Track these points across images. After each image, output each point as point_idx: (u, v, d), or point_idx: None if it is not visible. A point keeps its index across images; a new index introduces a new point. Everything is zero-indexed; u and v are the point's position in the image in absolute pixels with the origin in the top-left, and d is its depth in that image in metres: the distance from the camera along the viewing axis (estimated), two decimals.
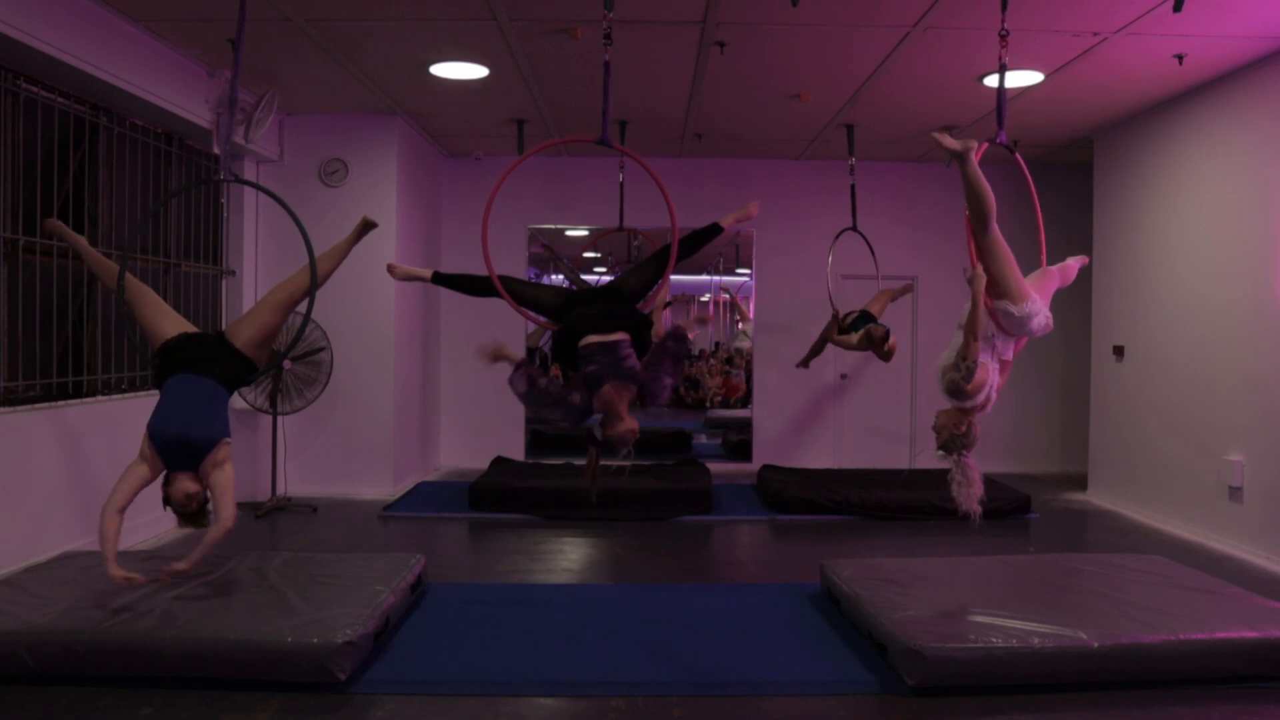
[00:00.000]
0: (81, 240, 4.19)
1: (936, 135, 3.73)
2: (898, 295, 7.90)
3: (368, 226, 4.25)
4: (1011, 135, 4.22)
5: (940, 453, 3.88)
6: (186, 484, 3.69)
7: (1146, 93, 6.39)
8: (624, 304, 4.12)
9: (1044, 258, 4.42)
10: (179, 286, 6.26)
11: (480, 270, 4.24)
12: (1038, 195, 4.59)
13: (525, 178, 8.70)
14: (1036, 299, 3.85)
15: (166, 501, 3.76)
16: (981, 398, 3.76)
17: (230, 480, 3.76)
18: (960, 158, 3.63)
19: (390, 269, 4.43)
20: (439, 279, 4.45)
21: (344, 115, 7.17)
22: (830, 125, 7.35)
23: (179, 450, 3.68)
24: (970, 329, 3.75)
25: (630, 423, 3.90)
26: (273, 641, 3.33)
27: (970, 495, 3.81)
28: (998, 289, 3.79)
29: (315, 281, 4.06)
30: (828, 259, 7.92)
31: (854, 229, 7.60)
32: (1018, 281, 3.80)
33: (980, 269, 3.75)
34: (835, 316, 7.48)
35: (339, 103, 6.89)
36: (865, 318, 7.34)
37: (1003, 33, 4.14)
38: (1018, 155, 4.41)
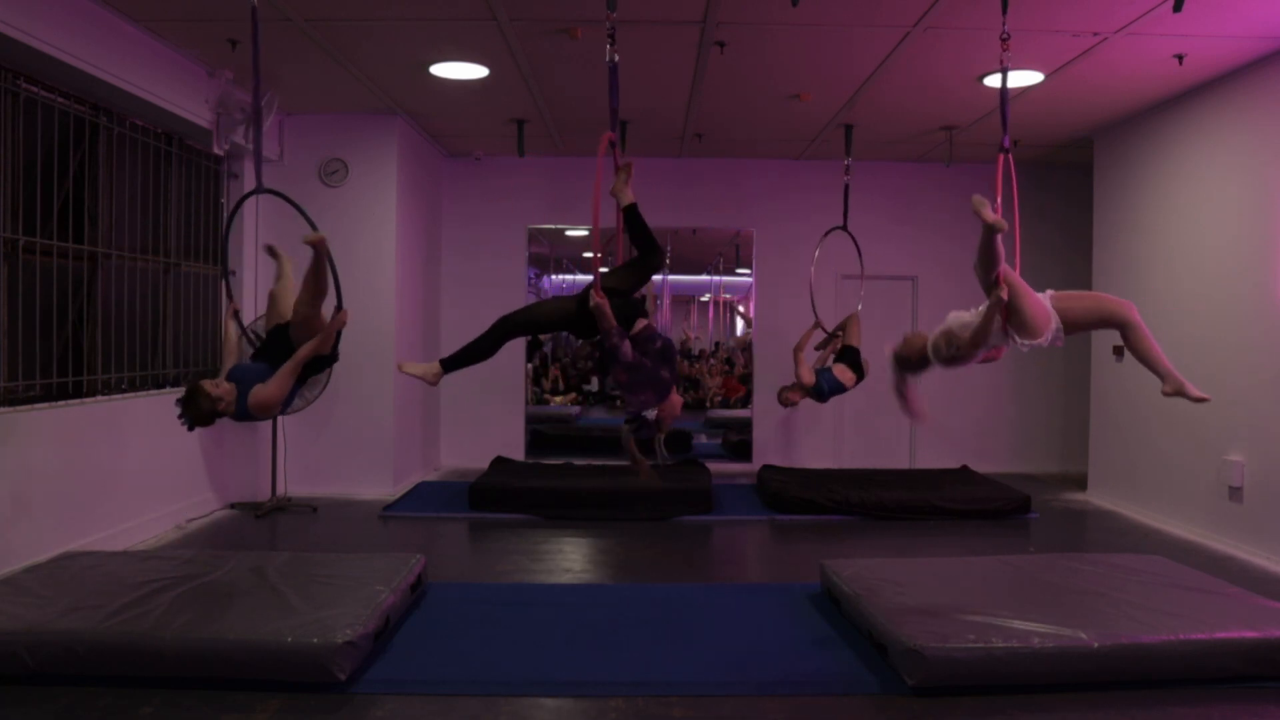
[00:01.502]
0: (281, 254, 4.54)
1: (977, 206, 3.73)
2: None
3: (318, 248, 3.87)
4: (1011, 136, 4.23)
5: (892, 365, 4.09)
6: (226, 386, 3.82)
7: (1146, 93, 6.39)
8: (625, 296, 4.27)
9: (1017, 263, 4.35)
10: (179, 286, 6.26)
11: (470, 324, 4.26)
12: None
13: (525, 177, 8.69)
14: (1054, 320, 3.81)
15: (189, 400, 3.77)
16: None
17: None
18: (992, 229, 3.66)
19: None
20: (449, 365, 4.20)
21: (344, 115, 7.17)
22: (830, 125, 7.35)
23: (242, 373, 3.94)
24: (974, 340, 3.84)
25: (680, 397, 4.22)
26: (273, 641, 3.33)
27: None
28: (1015, 319, 3.80)
29: (340, 298, 4.08)
30: (813, 259, 7.85)
31: (844, 229, 7.56)
32: (1032, 313, 3.80)
33: (1006, 293, 3.74)
34: (816, 324, 7.18)
35: (339, 103, 6.89)
36: (848, 352, 7.07)
37: (1004, 36, 4.13)
38: (1009, 157, 4.33)
